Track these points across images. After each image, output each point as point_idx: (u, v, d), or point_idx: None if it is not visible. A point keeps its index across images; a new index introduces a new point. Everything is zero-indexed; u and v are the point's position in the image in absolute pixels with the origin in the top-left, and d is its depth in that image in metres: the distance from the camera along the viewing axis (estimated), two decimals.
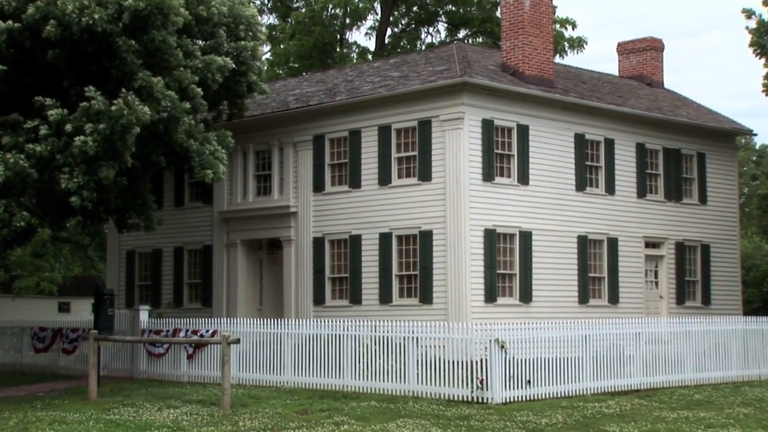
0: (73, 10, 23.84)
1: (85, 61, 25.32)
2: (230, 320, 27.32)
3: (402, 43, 50.86)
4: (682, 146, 33.24)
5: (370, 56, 50.01)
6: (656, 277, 32.26)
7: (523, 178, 28.53)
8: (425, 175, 27.88)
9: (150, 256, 34.83)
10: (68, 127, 23.89)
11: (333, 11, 50.61)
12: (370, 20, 51.59)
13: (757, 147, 68.83)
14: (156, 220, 27.70)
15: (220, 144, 26.57)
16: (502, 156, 28.19)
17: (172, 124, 25.13)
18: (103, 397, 23.72)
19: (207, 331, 26.84)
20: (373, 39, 51.39)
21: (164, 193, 34.14)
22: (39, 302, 62.02)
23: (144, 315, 29.00)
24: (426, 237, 27.68)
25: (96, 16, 23.78)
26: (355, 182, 29.49)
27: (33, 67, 25.61)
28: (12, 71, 24.78)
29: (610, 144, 31.00)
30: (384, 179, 28.80)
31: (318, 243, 30.19)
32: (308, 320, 26.58)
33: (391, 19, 51.27)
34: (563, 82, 31.51)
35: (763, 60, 38.22)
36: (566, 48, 48.53)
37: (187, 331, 27.42)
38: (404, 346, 23.47)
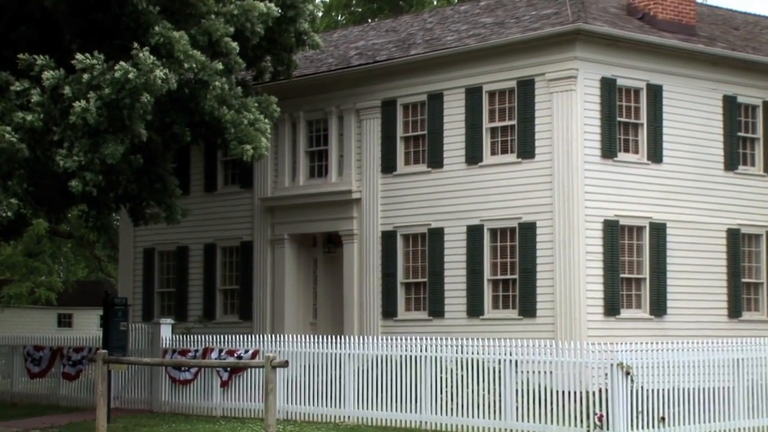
0: None
1: (89, 10, 25.55)
2: (275, 337, 27.46)
3: None
4: None
5: None
6: None
7: (655, 155, 28.30)
8: (527, 151, 27.78)
9: (173, 256, 35.18)
10: (66, 90, 24.05)
11: None
12: None
13: None
14: (180, 209, 27.91)
15: (261, 112, 26.62)
16: (627, 125, 28.00)
17: (200, 88, 25.24)
18: None
19: (246, 351, 27.04)
20: None
21: (191, 175, 34.46)
22: (34, 314, 63.09)
23: (166, 331, 29.30)
24: (527, 231, 27.59)
25: None
26: (435, 160, 29.49)
27: (24, 18, 25.89)
28: None
29: None
30: (473, 156, 28.76)
31: (388, 238, 30.24)
32: (375, 338, 26.63)
33: None
34: (708, 29, 31.17)
35: None
36: None
37: (220, 351, 27.64)
38: (499, 371, 23.46)
